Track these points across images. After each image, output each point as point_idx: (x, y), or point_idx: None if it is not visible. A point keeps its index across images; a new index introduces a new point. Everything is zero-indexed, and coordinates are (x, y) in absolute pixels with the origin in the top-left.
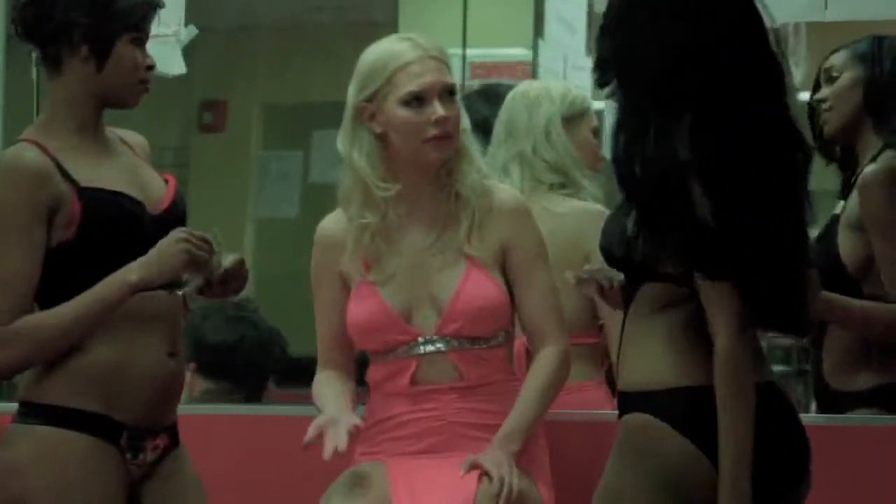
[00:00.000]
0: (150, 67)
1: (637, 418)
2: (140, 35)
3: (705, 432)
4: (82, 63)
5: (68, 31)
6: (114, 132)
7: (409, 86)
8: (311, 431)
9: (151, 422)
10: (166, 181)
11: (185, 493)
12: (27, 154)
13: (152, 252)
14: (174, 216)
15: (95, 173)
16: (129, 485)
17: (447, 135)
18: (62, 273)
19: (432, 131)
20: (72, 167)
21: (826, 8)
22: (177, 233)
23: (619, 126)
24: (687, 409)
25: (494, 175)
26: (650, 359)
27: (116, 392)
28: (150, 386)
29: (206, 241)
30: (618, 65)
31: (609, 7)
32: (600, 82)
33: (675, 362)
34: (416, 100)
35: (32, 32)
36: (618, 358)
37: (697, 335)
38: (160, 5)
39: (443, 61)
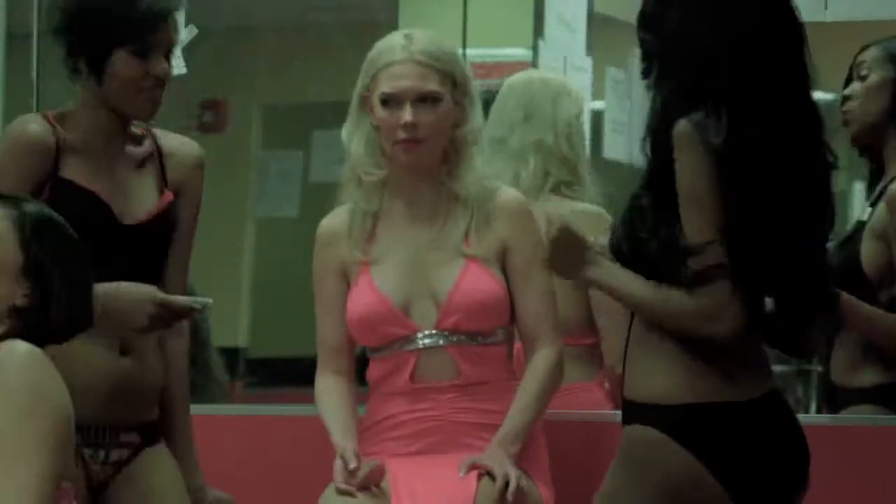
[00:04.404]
0: (159, 78)
1: (643, 431)
2: (142, 46)
3: (712, 450)
4: (86, 76)
5: (70, 45)
6: (164, 139)
7: (384, 86)
8: (339, 476)
9: (113, 420)
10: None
11: (159, 493)
12: (34, 127)
13: (124, 299)
14: (149, 231)
15: (83, 172)
16: (92, 485)
17: (414, 140)
18: None
19: (401, 135)
20: (65, 157)
21: (826, 8)
22: (151, 303)
23: (656, 117)
24: (695, 425)
25: (510, 161)
26: (659, 369)
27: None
28: (100, 385)
29: (181, 313)
30: (659, 58)
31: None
32: (644, 73)
33: (684, 376)
34: (390, 101)
35: (61, 41)
36: (624, 361)
37: (708, 348)
38: (167, 14)
39: (430, 66)
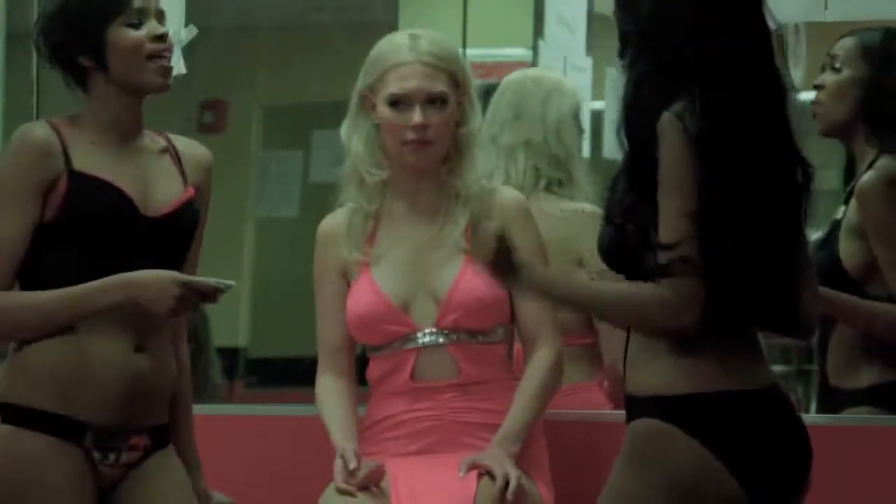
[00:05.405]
0: (160, 39)
1: (648, 423)
2: (128, 16)
3: (721, 438)
4: (93, 69)
5: (65, 46)
6: (176, 140)
7: (392, 87)
8: (339, 476)
9: (123, 421)
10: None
11: (168, 497)
12: (36, 130)
13: (149, 285)
14: (172, 223)
15: (98, 165)
16: (102, 486)
17: (424, 141)
18: (40, 251)
19: (410, 136)
20: (77, 154)
21: (826, 8)
22: (175, 284)
23: (630, 101)
24: (701, 414)
25: (501, 159)
26: (660, 362)
27: (77, 391)
28: (113, 383)
29: (206, 294)
30: (635, 39)
31: None
32: (620, 54)
33: (686, 367)
34: (399, 102)
35: (55, 64)
36: (624, 359)
37: (707, 338)
38: None
39: (437, 67)
